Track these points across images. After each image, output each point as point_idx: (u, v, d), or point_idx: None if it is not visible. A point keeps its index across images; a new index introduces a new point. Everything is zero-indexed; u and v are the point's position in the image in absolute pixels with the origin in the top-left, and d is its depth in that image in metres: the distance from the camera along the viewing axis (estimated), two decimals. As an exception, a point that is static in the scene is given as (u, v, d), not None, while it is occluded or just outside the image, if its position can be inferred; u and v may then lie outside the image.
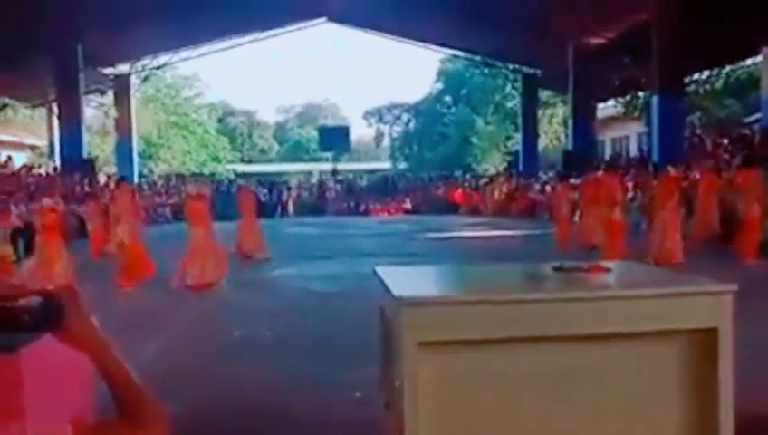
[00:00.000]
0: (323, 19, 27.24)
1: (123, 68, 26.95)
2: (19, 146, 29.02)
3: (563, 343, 2.05)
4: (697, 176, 13.32)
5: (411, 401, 1.95)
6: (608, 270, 2.47)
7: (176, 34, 23.80)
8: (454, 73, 39.51)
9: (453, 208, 26.62)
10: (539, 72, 27.90)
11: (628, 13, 18.73)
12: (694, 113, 24.04)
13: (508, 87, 33.52)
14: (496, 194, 25.83)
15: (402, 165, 41.51)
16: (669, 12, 16.46)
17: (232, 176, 33.82)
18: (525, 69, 28.59)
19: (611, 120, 28.22)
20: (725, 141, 18.66)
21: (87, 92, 24.05)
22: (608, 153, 28.95)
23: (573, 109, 24.32)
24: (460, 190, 28.27)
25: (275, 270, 10.08)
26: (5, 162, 21.88)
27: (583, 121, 24.30)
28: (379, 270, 2.46)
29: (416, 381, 1.95)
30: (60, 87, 22.25)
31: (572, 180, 15.41)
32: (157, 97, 36.43)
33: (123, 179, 12.08)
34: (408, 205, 28.21)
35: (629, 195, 14.99)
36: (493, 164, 35.78)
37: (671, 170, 10.22)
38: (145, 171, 31.20)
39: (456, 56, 34.00)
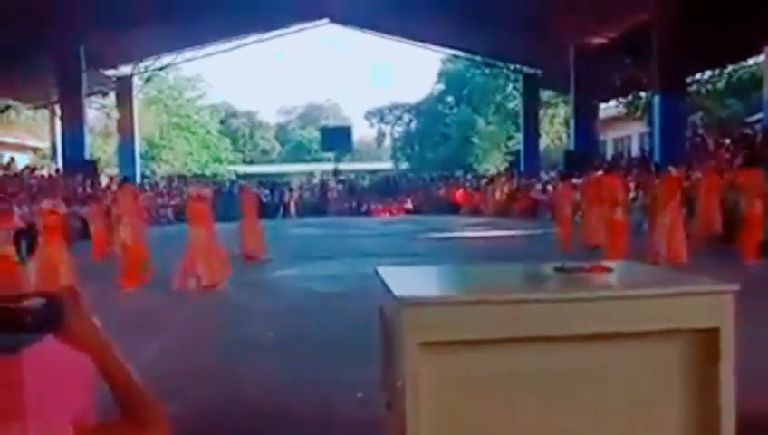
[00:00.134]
0: (325, 20, 27.26)
1: (125, 69, 27.00)
2: (22, 148, 29.10)
3: (565, 343, 2.05)
4: (699, 176, 13.30)
5: (413, 402, 1.95)
6: (609, 270, 2.47)
7: (178, 36, 23.84)
8: (455, 74, 39.55)
9: (454, 209, 26.64)
10: (540, 72, 27.90)
11: (628, 12, 18.71)
12: (696, 113, 24.01)
13: (509, 87, 33.51)
14: (498, 194, 25.82)
15: (404, 165, 41.55)
16: (670, 11, 16.45)
17: (233, 177, 33.82)
18: (526, 69, 28.59)
19: (613, 120, 28.21)
20: (727, 141, 18.62)
21: (89, 94, 24.12)
22: (609, 153, 28.94)
23: (575, 109, 24.32)
24: (461, 190, 28.29)
25: (277, 271, 10.09)
26: (8, 164, 21.94)
27: (585, 121, 24.29)
28: (381, 270, 2.45)
29: (417, 382, 1.95)
30: (62, 88, 22.29)
31: (574, 180, 15.40)
32: (159, 98, 36.49)
33: (126, 180, 12.09)
34: (409, 205, 28.23)
35: (631, 195, 14.97)
36: (494, 164, 35.79)
37: (673, 171, 10.21)
38: (147, 172, 31.24)
39: (456, 56, 34.03)
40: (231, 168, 40.07)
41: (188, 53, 27.84)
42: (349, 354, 4.74)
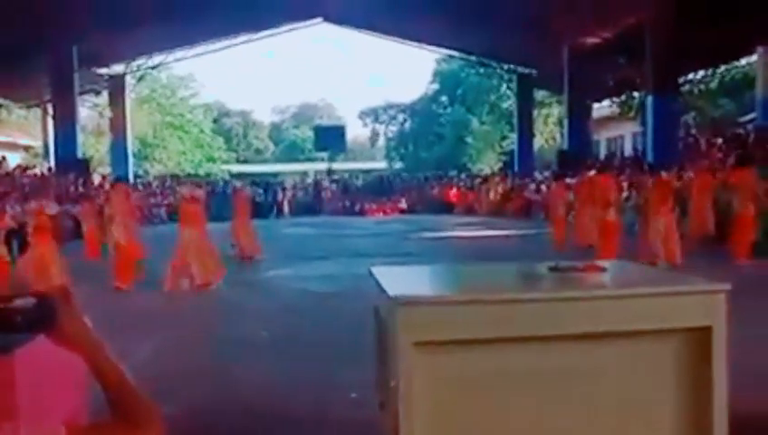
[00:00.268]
0: (319, 19, 27.23)
1: (118, 68, 26.88)
2: (13, 146, 28.91)
3: (559, 342, 2.06)
4: (692, 176, 13.34)
5: (406, 401, 1.95)
6: (603, 270, 2.48)
7: (171, 35, 23.74)
8: (449, 74, 39.57)
9: (448, 208, 26.65)
10: (534, 72, 27.94)
11: (623, 13, 18.76)
12: (688, 113, 24.11)
13: (503, 87, 33.55)
14: (492, 194, 25.86)
15: (398, 165, 41.55)
16: (664, 12, 16.51)
17: (227, 176, 33.76)
18: (520, 69, 28.63)
19: (606, 119, 28.30)
20: (720, 141, 18.70)
21: (82, 93, 23.97)
22: (603, 153, 29.01)
23: (569, 109, 24.36)
24: (455, 190, 28.32)
25: (271, 270, 10.07)
26: (0, 163, 21.81)
27: (578, 121, 24.34)
28: (375, 270, 2.46)
29: (411, 381, 1.95)
30: (54, 87, 22.16)
31: (568, 180, 15.44)
32: (152, 97, 36.32)
33: (119, 180, 12.07)
34: (403, 205, 28.24)
35: (624, 194, 15.01)
36: (488, 164, 35.83)
37: (664, 175, 10.20)
38: (140, 172, 31.12)
39: (451, 56, 34.03)
40: (224, 167, 39.97)
41: (181, 52, 27.69)
42: (343, 354, 4.74)
